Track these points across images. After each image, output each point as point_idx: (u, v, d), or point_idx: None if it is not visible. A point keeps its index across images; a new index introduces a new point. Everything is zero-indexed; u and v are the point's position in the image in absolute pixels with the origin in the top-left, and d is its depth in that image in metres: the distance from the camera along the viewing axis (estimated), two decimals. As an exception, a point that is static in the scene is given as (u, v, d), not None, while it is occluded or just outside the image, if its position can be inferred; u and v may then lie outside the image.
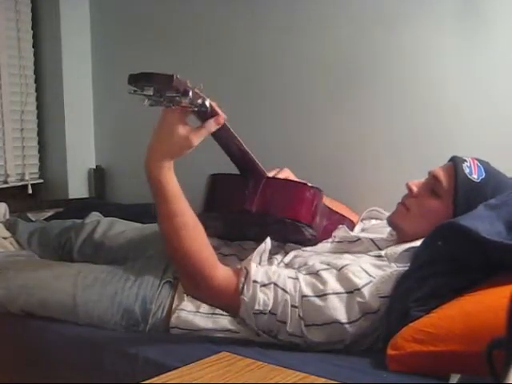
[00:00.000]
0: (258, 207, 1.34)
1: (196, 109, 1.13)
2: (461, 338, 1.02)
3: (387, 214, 1.62)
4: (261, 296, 1.19)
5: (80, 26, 2.60)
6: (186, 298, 1.35)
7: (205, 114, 1.16)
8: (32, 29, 2.54)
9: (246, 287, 1.19)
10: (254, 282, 1.20)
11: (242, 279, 1.20)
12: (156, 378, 0.87)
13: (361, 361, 1.13)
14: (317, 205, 1.40)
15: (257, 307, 1.18)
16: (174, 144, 1.16)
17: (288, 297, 1.19)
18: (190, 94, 1.09)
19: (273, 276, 1.21)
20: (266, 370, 0.91)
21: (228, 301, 1.21)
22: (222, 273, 1.22)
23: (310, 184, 1.45)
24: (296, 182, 1.47)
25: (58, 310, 1.41)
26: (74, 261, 1.68)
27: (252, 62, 2.21)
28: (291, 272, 1.25)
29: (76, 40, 2.58)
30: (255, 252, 1.30)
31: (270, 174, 1.47)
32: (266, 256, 1.32)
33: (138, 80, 1.08)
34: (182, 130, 1.14)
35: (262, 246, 1.33)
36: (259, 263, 1.28)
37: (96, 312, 1.38)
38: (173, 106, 1.11)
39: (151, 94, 1.08)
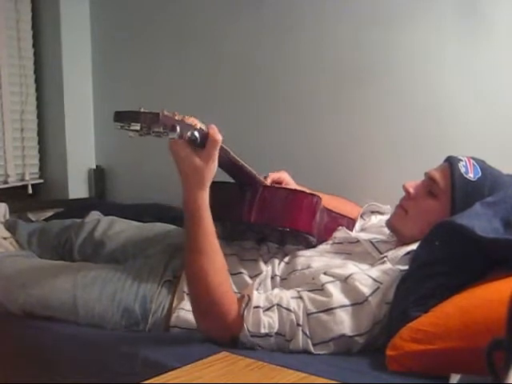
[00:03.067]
0: (256, 218, 1.34)
1: (187, 139, 1.13)
2: (457, 334, 1.03)
3: (384, 206, 1.64)
4: (265, 319, 1.17)
5: (80, 26, 2.60)
6: (185, 297, 1.35)
7: (195, 143, 1.15)
8: (32, 28, 2.53)
9: (246, 313, 1.18)
10: (257, 307, 1.18)
11: (244, 305, 1.19)
12: (156, 378, 0.87)
13: (361, 361, 1.13)
14: (316, 212, 1.39)
15: (262, 331, 1.17)
16: (200, 175, 1.16)
17: (293, 316, 1.18)
18: (178, 129, 1.09)
19: (274, 299, 1.20)
20: (266, 370, 0.92)
21: (231, 328, 1.19)
22: (235, 307, 1.20)
23: (308, 191, 1.44)
24: (294, 189, 1.45)
25: (58, 309, 1.41)
26: (74, 260, 1.68)
27: (250, 61, 2.21)
28: (293, 292, 1.23)
29: (76, 40, 2.58)
30: (257, 280, 1.32)
31: (267, 177, 1.46)
32: (267, 282, 1.34)
33: (124, 118, 1.09)
34: (198, 161, 1.15)
35: (263, 274, 1.35)
36: (258, 289, 1.29)
37: (96, 311, 1.39)
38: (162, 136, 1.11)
39: (138, 129, 1.08)
